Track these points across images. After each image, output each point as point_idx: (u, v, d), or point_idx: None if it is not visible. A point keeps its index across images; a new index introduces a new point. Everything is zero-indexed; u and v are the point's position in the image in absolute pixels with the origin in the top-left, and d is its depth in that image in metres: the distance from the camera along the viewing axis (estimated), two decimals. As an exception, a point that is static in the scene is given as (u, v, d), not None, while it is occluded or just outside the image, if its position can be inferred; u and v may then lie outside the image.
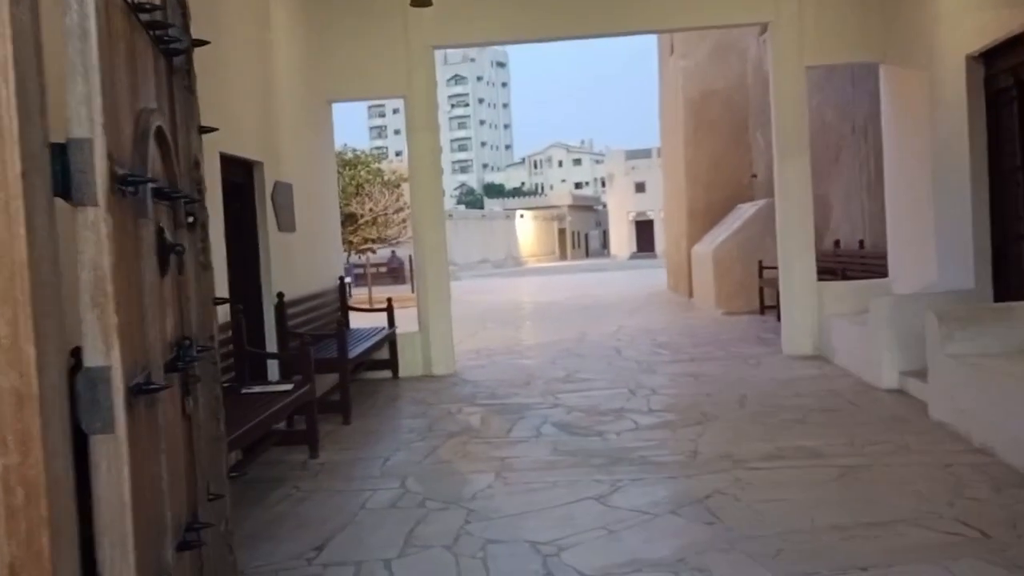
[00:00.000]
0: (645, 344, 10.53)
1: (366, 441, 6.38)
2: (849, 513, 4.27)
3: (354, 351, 7.39)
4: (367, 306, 12.53)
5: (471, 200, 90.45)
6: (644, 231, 67.54)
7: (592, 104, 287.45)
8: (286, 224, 7.36)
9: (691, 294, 16.69)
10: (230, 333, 5.96)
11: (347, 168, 23.18)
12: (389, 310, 9.06)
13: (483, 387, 8.21)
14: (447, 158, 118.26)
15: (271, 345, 6.96)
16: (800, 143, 8.74)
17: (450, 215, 54.25)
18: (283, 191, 7.34)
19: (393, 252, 30.70)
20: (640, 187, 67.67)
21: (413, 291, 25.45)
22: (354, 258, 24.90)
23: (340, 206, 22.98)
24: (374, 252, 23.58)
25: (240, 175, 6.82)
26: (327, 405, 7.18)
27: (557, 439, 6.05)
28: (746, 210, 14.94)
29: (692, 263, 16.42)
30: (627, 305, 16.81)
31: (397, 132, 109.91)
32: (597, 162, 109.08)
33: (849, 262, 10.13)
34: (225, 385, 5.60)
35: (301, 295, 7.62)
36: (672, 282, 19.65)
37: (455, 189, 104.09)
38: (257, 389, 5.63)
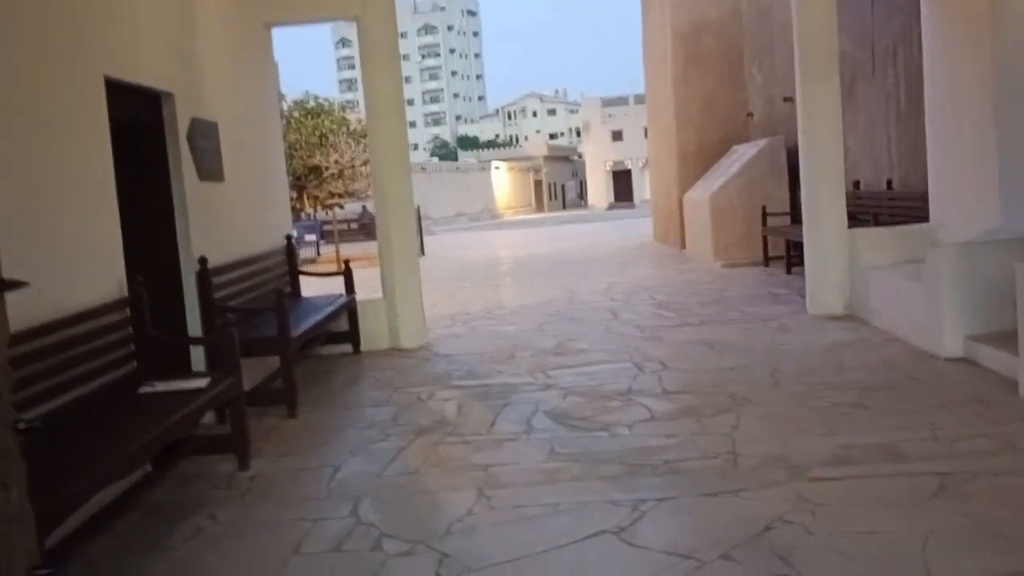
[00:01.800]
0: (643, 304, 9.25)
1: (313, 442, 5.07)
2: (975, 554, 3.03)
3: (301, 326, 6.05)
4: (329, 268, 11.14)
5: (445, 153, 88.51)
6: (622, 181, 66.23)
7: (566, 52, 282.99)
8: (210, 172, 5.95)
9: (683, 245, 15.42)
10: (128, 313, 4.60)
11: (309, 117, 21.66)
12: (347, 274, 7.68)
13: (460, 363, 6.91)
14: (419, 111, 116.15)
15: (194, 325, 5.61)
16: (828, 66, 7.39)
17: (423, 168, 52.79)
18: (204, 131, 5.92)
19: (364, 207, 29.16)
20: (617, 135, 66.22)
21: (384, 248, 24.19)
22: (321, 214, 23.42)
23: (303, 158, 21.58)
24: (342, 207, 22.15)
25: (143, 110, 5.39)
26: (268, 395, 5.86)
27: (554, 435, 4.77)
28: (744, 152, 13.62)
29: (684, 211, 15.12)
30: (615, 258, 15.52)
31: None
32: (572, 112, 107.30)
33: (875, 206, 8.85)
34: (118, 382, 4.27)
35: (234, 259, 6.24)
36: (660, 232, 18.37)
37: (428, 142, 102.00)
38: (160, 387, 4.29)
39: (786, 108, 13.25)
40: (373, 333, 7.67)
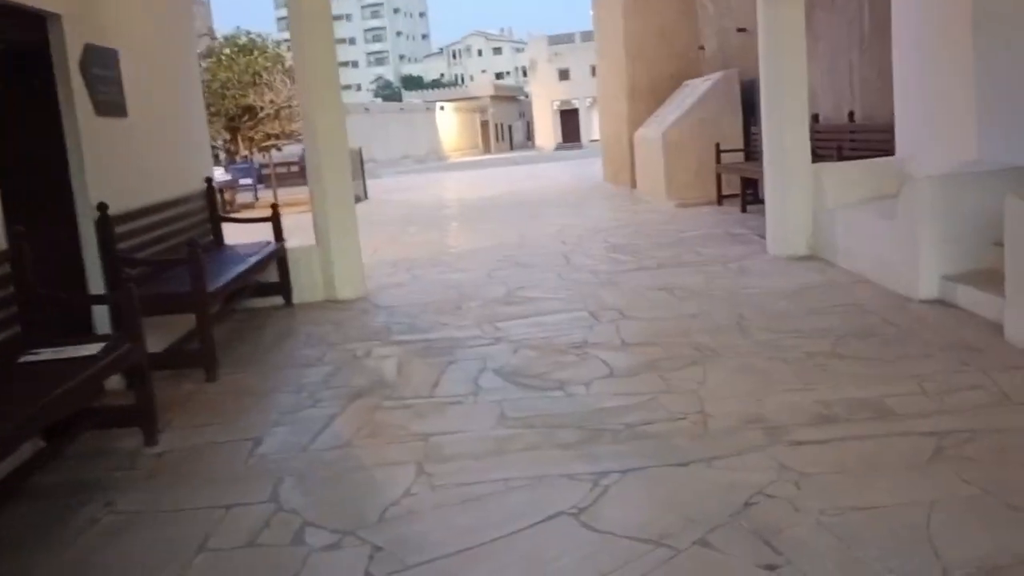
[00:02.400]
0: (597, 247, 8.77)
1: (233, 409, 4.51)
2: (989, 530, 2.64)
3: (220, 280, 5.44)
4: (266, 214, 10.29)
5: (389, 94, 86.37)
6: (570, 121, 65.44)
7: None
8: (109, 106, 5.24)
9: (634, 184, 14.97)
10: (8, 269, 3.96)
11: (242, 55, 20.49)
12: (274, 219, 7.03)
13: (401, 315, 6.37)
14: (360, 50, 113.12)
15: (96, 281, 4.96)
16: (792, -14, 6.87)
17: (366, 109, 51.36)
18: (101, 60, 5.20)
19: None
20: (564, 74, 65.17)
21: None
22: (259, 158, 22.40)
23: (235, 98, 20.45)
24: (279, 149, 21.14)
25: (25, 33, 4.66)
26: (184, 357, 5.27)
27: (504, 397, 4.29)
28: (697, 86, 13.11)
29: (636, 150, 14.62)
30: (565, 200, 15.01)
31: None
32: (518, 51, 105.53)
33: (836, 139, 8.42)
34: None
35: (141, 205, 5.57)
36: (611, 172, 17.88)
37: (372, 83, 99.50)
38: (46, 355, 3.69)
39: (740, 40, 12.75)
40: (306, 284, 7.07)
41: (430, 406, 4.26)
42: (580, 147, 57.95)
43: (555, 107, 64.91)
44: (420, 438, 3.83)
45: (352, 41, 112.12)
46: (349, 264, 7.09)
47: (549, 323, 5.68)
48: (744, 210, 10.51)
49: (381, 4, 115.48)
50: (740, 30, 12.54)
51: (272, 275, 6.95)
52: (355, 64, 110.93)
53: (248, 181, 18.27)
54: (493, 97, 66.69)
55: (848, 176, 6.80)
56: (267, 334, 6.16)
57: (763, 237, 8.08)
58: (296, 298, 7.04)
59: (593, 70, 68.72)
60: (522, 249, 9.11)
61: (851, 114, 8.43)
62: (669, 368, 4.49)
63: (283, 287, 6.98)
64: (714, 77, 12.50)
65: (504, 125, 68.79)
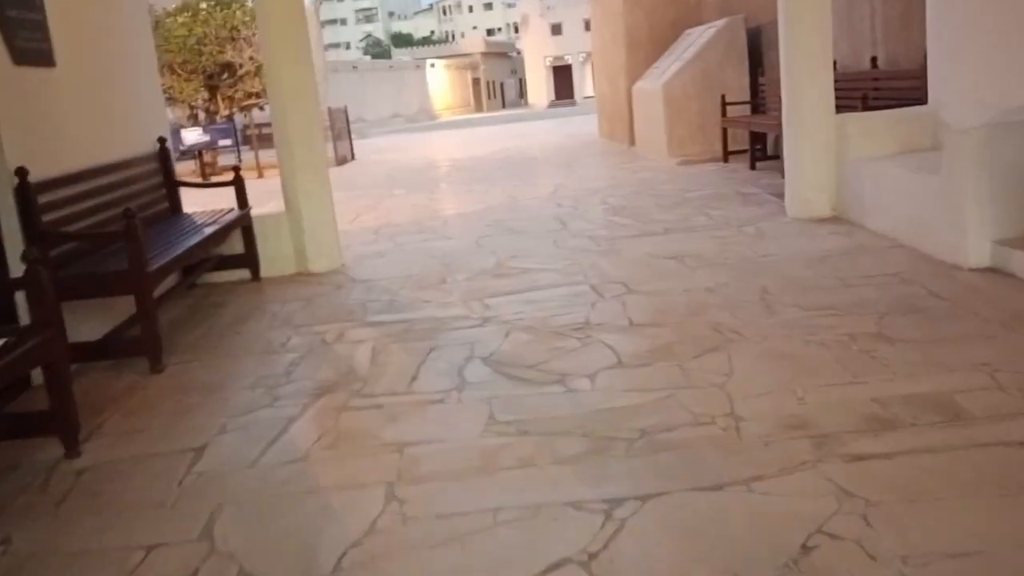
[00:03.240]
0: (595, 210, 8.07)
1: (177, 409, 3.84)
2: None
3: (168, 255, 4.74)
4: (250, 177, 9.53)
5: (379, 52, 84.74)
6: (562, 77, 64.20)
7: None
8: (31, 54, 4.49)
9: (632, 141, 14.21)
10: None
11: (219, 8, 19.53)
12: (237, 184, 6.29)
13: (380, 290, 5.68)
14: (349, 7, 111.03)
15: (15, 262, 4.26)
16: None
17: (354, 67, 50.12)
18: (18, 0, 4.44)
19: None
20: (556, 29, 63.82)
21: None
22: (240, 118, 21.52)
23: (212, 54, 19.52)
24: (261, 109, 20.29)
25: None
26: (125, 345, 4.59)
27: (493, 393, 3.62)
28: (699, 35, 12.30)
29: (634, 103, 13.83)
30: (559, 157, 14.26)
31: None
32: (510, 6, 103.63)
33: (858, 88, 7.67)
34: None
35: (75, 170, 4.85)
36: (607, 128, 17.10)
37: (360, 40, 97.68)
38: (-71, 356, 3.00)
39: (746, -17, 11.91)
40: (275, 255, 6.38)
41: (406, 405, 3.60)
42: (574, 104, 56.87)
43: (548, 63, 63.61)
44: (393, 449, 3.17)
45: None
46: (322, 233, 6.39)
47: (545, 299, 5.00)
48: (753, 167, 9.79)
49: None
50: (746, -27, 11.70)
51: (237, 246, 6.26)
52: (343, 22, 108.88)
53: (228, 142, 17.39)
54: (484, 54, 65.38)
55: (876, 128, 6.09)
56: (227, 314, 5.47)
57: (779, 197, 7.40)
58: (264, 271, 6.35)
59: (587, 24, 67.29)
60: (514, 213, 8.40)
61: (873, 60, 7.68)
62: (687, 355, 3.83)
63: (249, 259, 6.28)
64: (717, 24, 11.69)
65: (496, 83, 67.55)
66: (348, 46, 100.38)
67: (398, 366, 4.10)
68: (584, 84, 63.56)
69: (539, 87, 63.61)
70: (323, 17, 47.61)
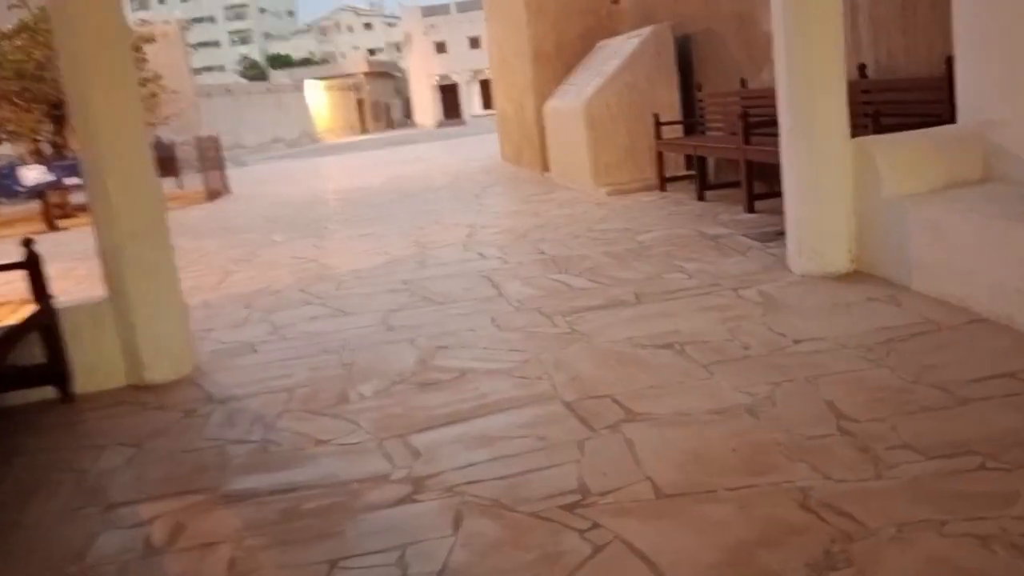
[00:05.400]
0: (530, 263, 6.40)
1: None
2: None
3: None
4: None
5: (256, 74, 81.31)
6: (450, 96, 62.80)
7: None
8: None
9: (546, 167, 12.68)
10: None
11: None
12: (30, 265, 4.29)
13: (248, 418, 3.83)
14: (222, 28, 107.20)
15: None
16: None
17: (229, 90, 47.31)
18: None
19: (157, 137, 24.48)
20: (441, 47, 62.45)
21: (181, 187, 19.92)
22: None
23: (55, 80, 17.03)
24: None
25: None
26: None
27: None
28: (618, 47, 10.86)
29: (547, 125, 12.30)
30: (464, 187, 12.61)
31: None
32: (391, 25, 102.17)
33: (865, 102, 6.24)
34: None
35: None
36: (511, 152, 15.57)
37: (236, 62, 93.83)
38: None
39: (671, -14, 10.57)
40: (96, 361, 4.44)
41: None
42: (463, 123, 55.51)
43: (434, 82, 62.09)
44: None
45: (212, 19, 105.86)
46: (164, 326, 4.49)
47: (504, 435, 3.28)
48: (701, 198, 8.34)
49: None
50: (670, -25, 10.35)
51: (38, 352, 4.30)
52: (217, 44, 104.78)
53: (75, 180, 15.01)
54: (367, 74, 63.33)
55: (912, 155, 4.64)
56: (5, 478, 3.52)
57: (761, 240, 5.94)
58: (80, 385, 4.40)
59: (472, 42, 66.40)
60: (426, 268, 6.65)
61: (861, 68, 6.29)
62: (787, 577, 2.17)
63: (54, 371, 4.32)
64: (642, 33, 10.26)
65: (381, 103, 65.57)
66: (223, 68, 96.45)
67: (274, 619, 2.30)
68: (472, 103, 62.31)
69: (426, 107, 62.04)
70: (193, 39, 44.69)
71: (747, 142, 7.07)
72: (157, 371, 4.42)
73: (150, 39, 19.09)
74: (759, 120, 6.97)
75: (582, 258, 6.31)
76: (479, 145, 23.57)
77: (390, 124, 64.96)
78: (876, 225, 4.66)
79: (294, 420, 3.72)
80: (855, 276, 4.80)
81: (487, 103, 61.85)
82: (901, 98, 5.76)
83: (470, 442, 3.26)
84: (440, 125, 56.75)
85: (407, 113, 67.15)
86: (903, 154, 4.62)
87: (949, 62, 5.12)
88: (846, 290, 4.58)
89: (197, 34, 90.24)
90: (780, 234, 6.10)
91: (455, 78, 61.85)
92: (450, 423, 3.47)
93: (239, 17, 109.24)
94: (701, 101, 9.51)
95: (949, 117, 5.11)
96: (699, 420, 3.21)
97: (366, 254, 7.70)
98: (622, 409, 3.39)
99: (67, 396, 4.34)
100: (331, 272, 7.04)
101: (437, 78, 61.90)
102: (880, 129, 5.18)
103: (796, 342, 3.91)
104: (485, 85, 62.01)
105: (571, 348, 4.22)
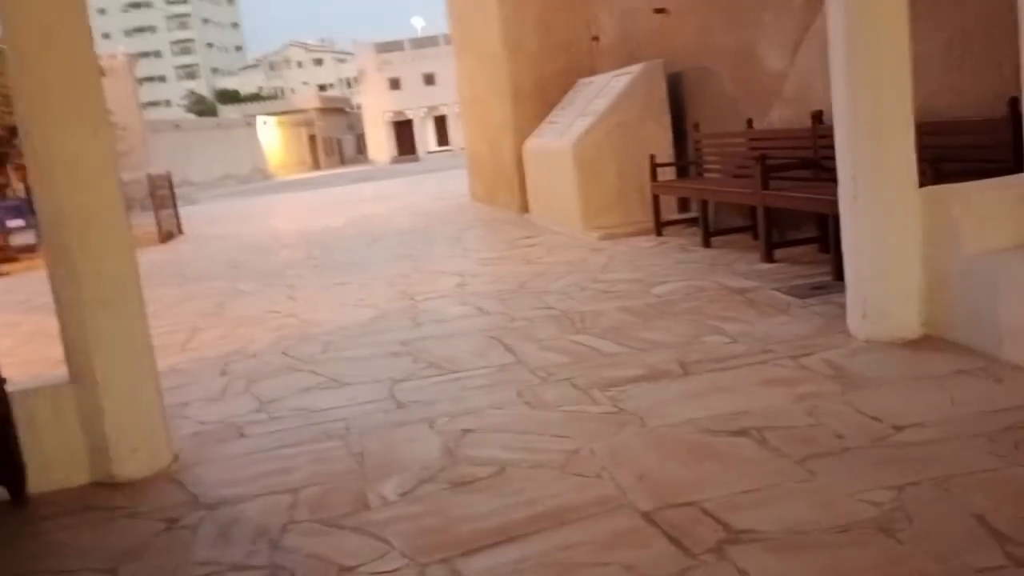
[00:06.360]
0: (541, 320, 5.78)
1: None
2: None
3: None
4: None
5: (203, 109, 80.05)
6: (404, 132, 62.37)
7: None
8: None
9: (526, 208, 12.13)
10: None
11: (4, 61, 16.21)
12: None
13: (246, 534, 3.11)
14: (168, 63, 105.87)
15: None
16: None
17: (177, 126, 46.23)
18: None
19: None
20: (395, 84, 62.14)
21: (130, 228, 19.14)
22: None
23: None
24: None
25: None
26: None
27: None
28: (606, 84, 10.41)
29: (527, 164, 11.78)
30: (439, 230, 12.00)
31: (102, 11, 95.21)
32: (341, 61, 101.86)
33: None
34: None
35: None
36: (484, 191, 15.03)
37: (183, 97, 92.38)
38: None
39: (655, 24, 10.18)
40: (54, 455, 3.69)
41: None
42: (417, 159, 55.10)
43: (387, 118, 61.62)
44: None
45: (158, 54, 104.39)
46: (137, 410, 3.76)
47: (580, 565, 2.62)
48: (707, 244, 7.83)
49: (189, 15, 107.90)
50: (658, 11, 9.95)
51: (-20, 445, 3.53)
52: (163, 79, 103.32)
53: (19, 222, 14.06)
54: (319, 110, 62.71)
55: (994, 207, 4.15)
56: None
57: (800, 297, 5.40)
58: (35, 484, 3.64)
59: (426, 79, 66.21)
60: (421, 327, 5.99)
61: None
62: None
63: (4, 467, 3.56)
64: (632, 71, 9.82)
65: (333, 139, 64.91)
66: (168, 103, 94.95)
67: None
68: (427, 139, 61.95)
69: (380, 143, 61.51)
70: (139, 74, 43.61)
71: (764, 187, 6.59)
72: (129, 465, 3.69)
73: (100, 73, 18.22)
74: (781, 163, 6.49)
75: (596, 314, 5.71)
76: (441, 183, 23.03)
77: (342, 160, 64.23)
78: (952, 284, 4.15)
79: (305, 535, 3.03)
80: (928, 342, 4.28)
81: (442, 139, 61.50)
82: (956, 142, 5.30)
83: (537, 571, 2.61)
84: (394, 161, 56.24)
85: (360, 149, 66.51)
86: (982, 205, 4.13)
87: (1014, 103, 4.67)
88: (925, 360, 4.05)
89: (143, 68, 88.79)
90: (816, 288, 5.61)
91: (409, 114, 61.46)
92: (504, 541, 2.81)
93: (186, 52, 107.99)
94: (698, 142, 9.06)
95: (1015, 163, 4.66)
96: (822, 542, 2.61)
97: (349, 307, 7.02)
98: (718, 524, 2.77)
99: (17, 498, 3.57)
100: (314, 330, 6.33)
101: (391, 114, 61.44)
102: (941, 177, 4.69)
103: (897, 428, 3.34)
104: (440, 121, 61.76)
105: (624, 434, 3.60)
